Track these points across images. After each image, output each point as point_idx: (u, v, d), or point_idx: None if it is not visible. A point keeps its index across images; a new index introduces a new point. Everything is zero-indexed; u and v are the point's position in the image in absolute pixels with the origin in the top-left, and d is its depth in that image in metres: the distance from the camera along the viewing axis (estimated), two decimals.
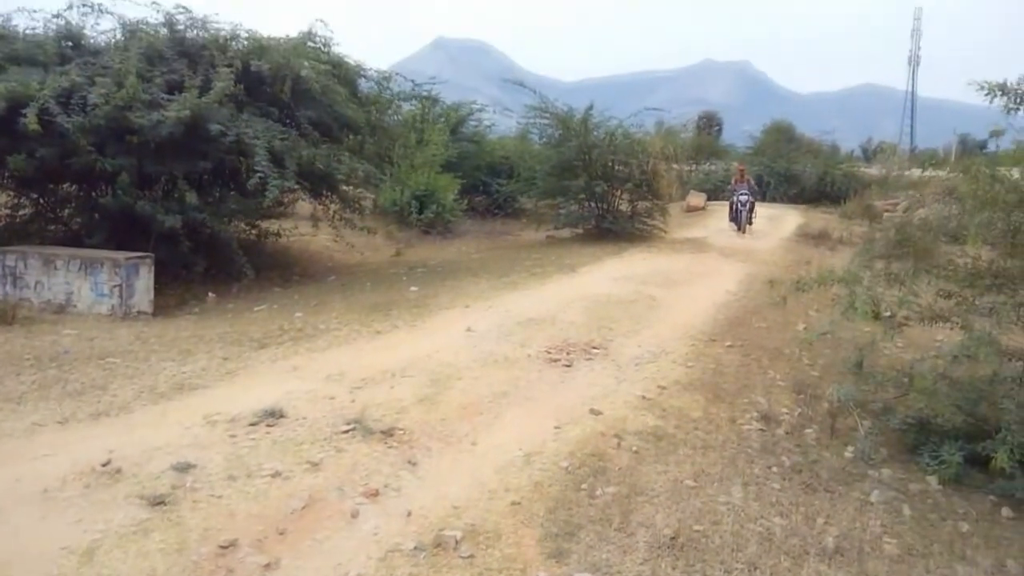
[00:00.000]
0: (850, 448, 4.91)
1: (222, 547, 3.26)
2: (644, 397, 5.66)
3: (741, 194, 17.45)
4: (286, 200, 11.82)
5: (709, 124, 47.92)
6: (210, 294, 9.05)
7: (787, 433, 5.17)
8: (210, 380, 5.50)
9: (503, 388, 5.63)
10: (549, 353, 6.65)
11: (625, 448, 4.69)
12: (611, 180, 16.14)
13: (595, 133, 15.90)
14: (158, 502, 3.57)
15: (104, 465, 3.94)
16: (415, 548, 3.38)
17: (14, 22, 9.69)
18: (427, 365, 6.13)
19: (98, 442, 4.28)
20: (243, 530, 3.40)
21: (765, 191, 27.74)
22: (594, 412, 5.25)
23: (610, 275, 11.07)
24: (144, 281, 8.17)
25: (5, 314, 7.39)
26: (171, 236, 9.03)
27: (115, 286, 8.06)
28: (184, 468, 3.94)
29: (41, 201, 10.33)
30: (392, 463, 4.23)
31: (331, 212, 11.54)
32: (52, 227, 10.39)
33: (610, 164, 16.12)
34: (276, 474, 3.94)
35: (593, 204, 16.29)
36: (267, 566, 3.18)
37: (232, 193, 10.67)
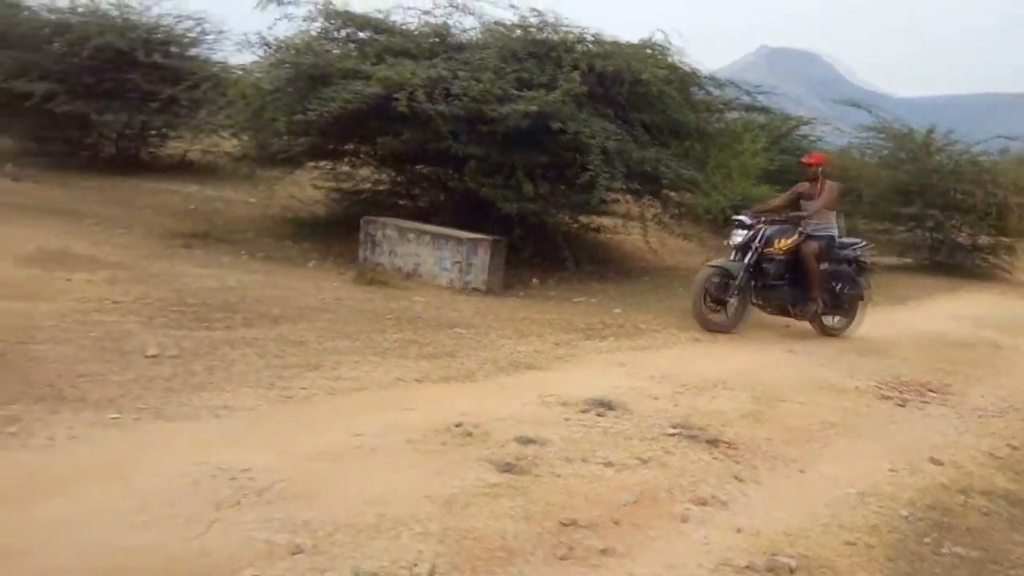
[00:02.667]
0: None
1: (563, 524, 3.43)
2: (992, 454, 5.14)
3: None
4: (608, 198, 12.15)
5: None
6: (534, 280, 9.57)
7: None
8: (543, 362, 5.84)
9: (830, 417, 5.39)
10: (880, 388, 6.24)
11: (973, 507, 4.28)
12: (951, 210, 14.72)
13: (936, 157, 14.61)
14: (505, 469, 3.85)
15: (457, 426, 4.32)
16: (747, 567, 3.33)
17: (392, 17, 10.85)
18: (748, 380, 6.02)
19: (449, 404, 4.70)
20: (581, 512, 3.55)
21: None
22: (935, 461, 4.84)
23: (944, 312, 10.14)
24: (481, 260, 8.83)
25: (365, 275, 8.39)
26: (505, 221, 9.68)
27: (456, 262, 8.80)
28: (526, 442, 4.20)
29: (397, 179, 11.53)
30: (718, 474, 4.20)
31: (651, 215, 11.68)
32: (402, 202, 11.57)
33: (952, 192, 14.71)
34: (608, 464, 4.08)
35: (927, 233, 14.98)
36: (603, 551, 3.30)
37: (561, 187, 11.18)
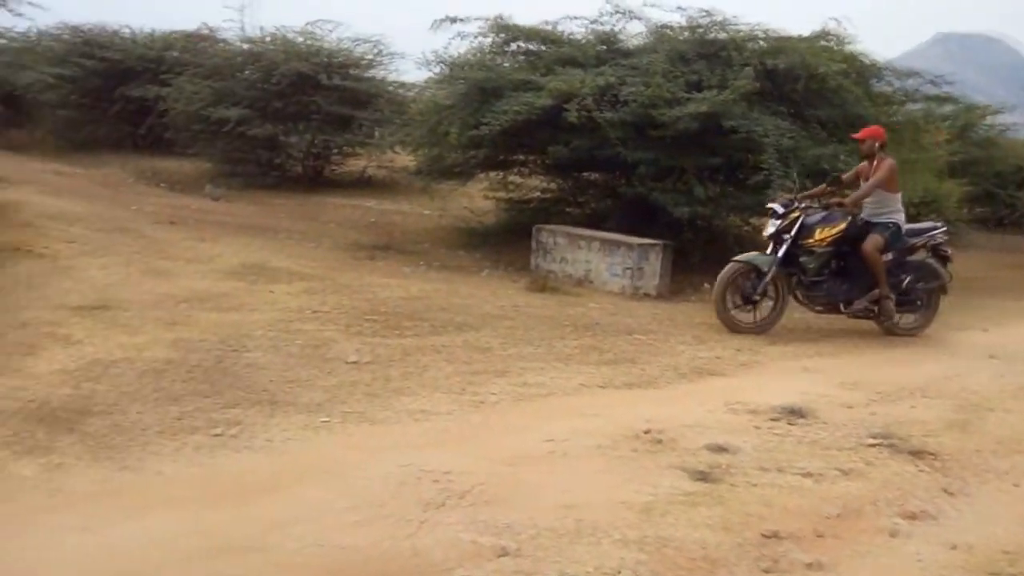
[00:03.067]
0: None
1: (764, 535, 3.37)
2: None
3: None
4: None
5: None
6: (705, 284, 9.39)
7: None
8: (726, 368, 5.75)
9: None
10: None
11: None
12: None
13: None
14: (700, 478, 3.82)
15: (645, 432, 4.33)
16: None
17: (560, 28, 10.98)
18: (948, 388, 5.68)
19: (635, 410, 4.72)
20: (782, 523, 3.47)
21: None
22: None
23: None
24: (652, 266, 8.78)
25: (538, 282, 8.55)
26: (674, 225, 9.59)
27: (627, 268, 8.80)
28: (718, 450, 4.15)
29: (566, 187, 11.67)
30: (926, 487, 3.99)
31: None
32: (571, 210, 11.69)
33: None
34: (807, 474, 3.96)
35: None
36: (809, 565, 3.21)
37: (730, 188, 10.94)
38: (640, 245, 8.81)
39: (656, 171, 9.92)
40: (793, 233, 6.92)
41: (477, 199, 12.58)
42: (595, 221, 10.54)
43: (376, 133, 13.97)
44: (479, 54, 10.40)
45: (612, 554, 3.11)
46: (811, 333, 7.11)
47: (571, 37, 10.79)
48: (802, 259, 7.00)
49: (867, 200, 7.17)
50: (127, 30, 17.94)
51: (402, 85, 13.78)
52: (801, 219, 6.95)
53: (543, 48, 10.57)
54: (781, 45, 10.18)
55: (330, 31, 14.87)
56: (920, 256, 7.48)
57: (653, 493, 3.67)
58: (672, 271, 9.56)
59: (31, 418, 4.39)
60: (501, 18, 10.28)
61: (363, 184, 14.96)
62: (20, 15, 9.39)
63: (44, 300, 6.49)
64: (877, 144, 7.25)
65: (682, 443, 4.24)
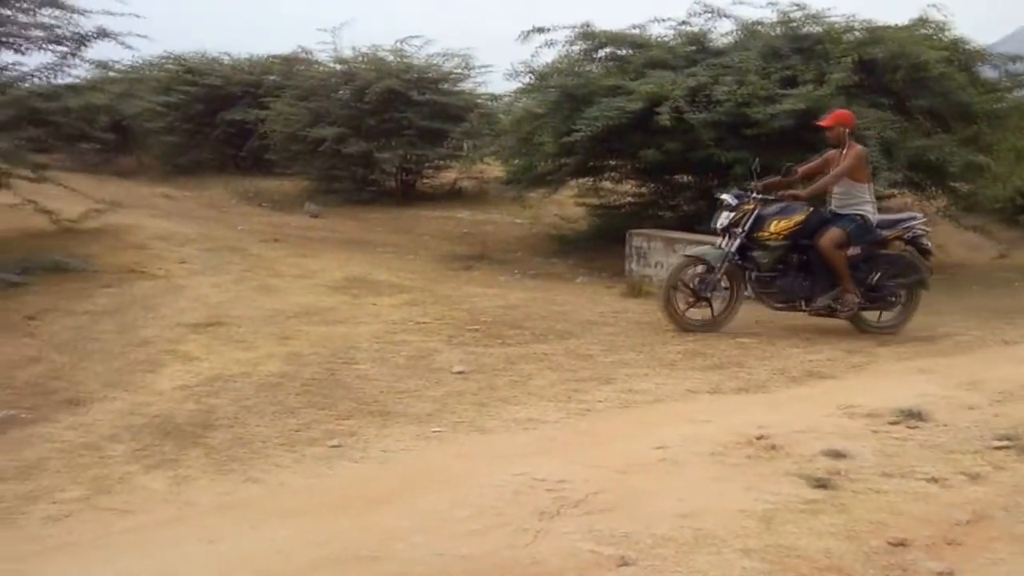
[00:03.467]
0: None
1: (891, 544, 3.25)
2: None
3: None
4: (884, 193, 11.38)
5: None
6: None
7: None
8: (838, 371, 5.59)
9: None
10: None
11: None
12: None
13: None
14: (819, 485, 3.71)
15: (758, 439, 4.24)
16: None
17: (649, 31, 10.91)
18: None
19: (746, 415, 4.63)
20: (910, 531, 3.35)
21: None
22: None
23: None
24: None
25: (634, 288, 8.50)
26: None
27: None
28: (835, 455, 4.03)
29: (658, 190, 11.58)
30: None
31: (937, 208, 10.79)
32: (663, 213, 11.59)
33: None
34: (933, 479, 3.81)
35: None
36: (940, 574, 3.09)
37: None
38: None
39: (752, 171, 9.74)
40: (747, 226, 6.57)
41: (567, 206, 12.62)
42: (688, 224, 10.40)
43: (465, 145, 14.16)
44: (567, 62, 10.42)
45: (734, 564, 3.05)
46: (923, 333, 6.83)
47: (659, 40, 10.71)
48: (755, 253, 6.65)
49: (835, 191, 6.78)
50: (227, 57, 18.76)
51: (493, 97, 13.92)
52: (756, 211, 6.60)
53: (631, 52, 10.52)
54: (879, 35, 9.89)
55: (419, 48, 15.25)
56: (896, 249, 6.98)
57: (772, 501, 3.59)
58: None
59: (158, 432, 4.63)
60: (588, 25, 10.29)
61: (454, 196, 15.19)
62: (130, 47, 9.85)
63: (161, 319, 6.83)
64: (846, 130, 6.77)
65: (797, 449, 4.13)
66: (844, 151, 6.68)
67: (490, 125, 13.15)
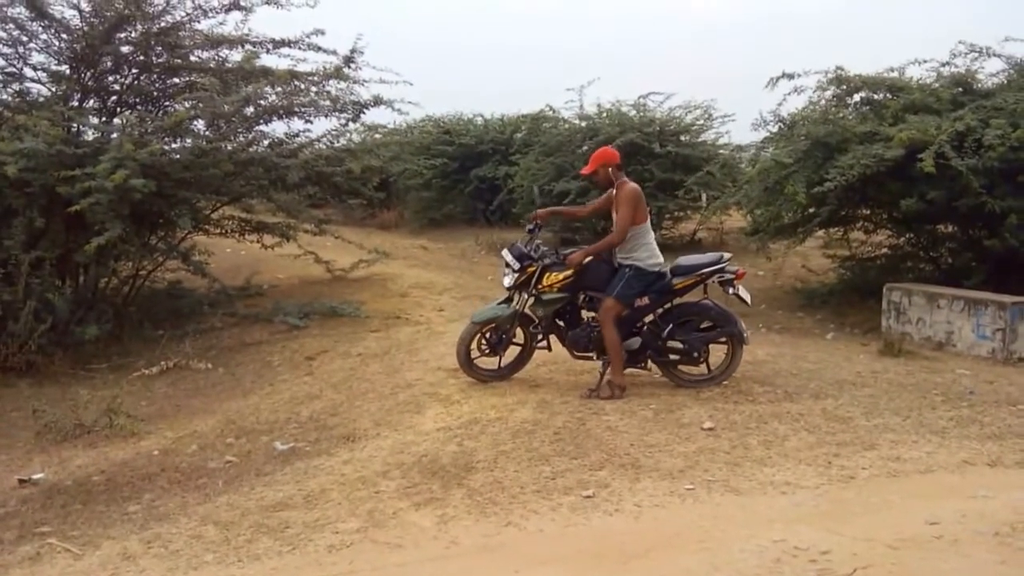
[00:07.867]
0: None
1: None
2: None
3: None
4: None
5: None
6: None
7: None
8: None
9: None
10: None
11: None
12: None
13: None
14: None
15: None
16: None
17: (908, 74, 10.33)
18: None
19: None
20: None
21: None
22: None
23: None
24: None
25: (892, 346, 7.96)
26: None
27: (997, 329, 7.92)
28: None
29: (917, 241, 10.82)
30: None
31: None
32: (922, 266, 10.81)
33: None
34: None
35: None
36: None
37: None
38: (1014, 304, 7.91)
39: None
40: (532, 286, 6.23)
41: (812, 258, 12.11)
42: (952, 277, 9.65)
43: (704, 196, 14.03)
44: (817, 108, 10.11)
45: None
46: None
47: (921, 83, 10.10)
48: (533, 305, 6.31)
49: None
50: (480, 118, 20.04)
51: (738, 147, 13.74)
52: (539, 268, 6.21)
53: (887, 97, 10.01)
54: None
55: (660, 102, 15.42)
56: (698, 297, 6.31)
57: None
58: None
59: (425, 471, 4.98)
60: (841, 70, 9.92)
61: (693, 246, 15.06)
62: (402, 112, 10.86)
63: (423, 363, 7.35)
64: (610, 170, 6.13)
65: None
66: (616, 191, 6.12)
67: (731, 175, 12.97)
